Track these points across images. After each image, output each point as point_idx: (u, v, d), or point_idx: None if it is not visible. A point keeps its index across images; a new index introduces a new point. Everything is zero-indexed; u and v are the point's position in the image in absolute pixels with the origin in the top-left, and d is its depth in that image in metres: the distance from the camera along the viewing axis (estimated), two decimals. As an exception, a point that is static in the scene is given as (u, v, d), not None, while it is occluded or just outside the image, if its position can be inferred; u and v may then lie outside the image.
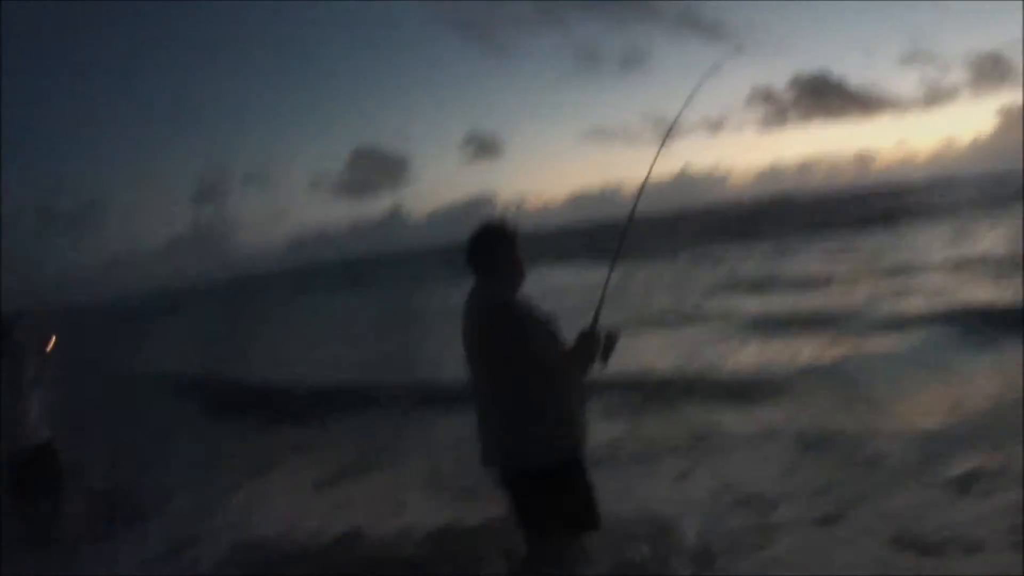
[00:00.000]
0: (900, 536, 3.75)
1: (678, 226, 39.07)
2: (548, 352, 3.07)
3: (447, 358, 10.79)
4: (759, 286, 15.66)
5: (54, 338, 4.83)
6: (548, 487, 3.07)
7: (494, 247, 3.18)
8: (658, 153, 3.72)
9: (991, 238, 17.83)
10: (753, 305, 13.38)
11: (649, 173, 3.70)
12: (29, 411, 4.55)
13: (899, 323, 9.62)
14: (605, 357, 3.14)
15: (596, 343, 3.12)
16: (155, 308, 40.35)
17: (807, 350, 8.83)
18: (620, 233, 3.60)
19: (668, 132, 3.76)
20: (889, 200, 37.93)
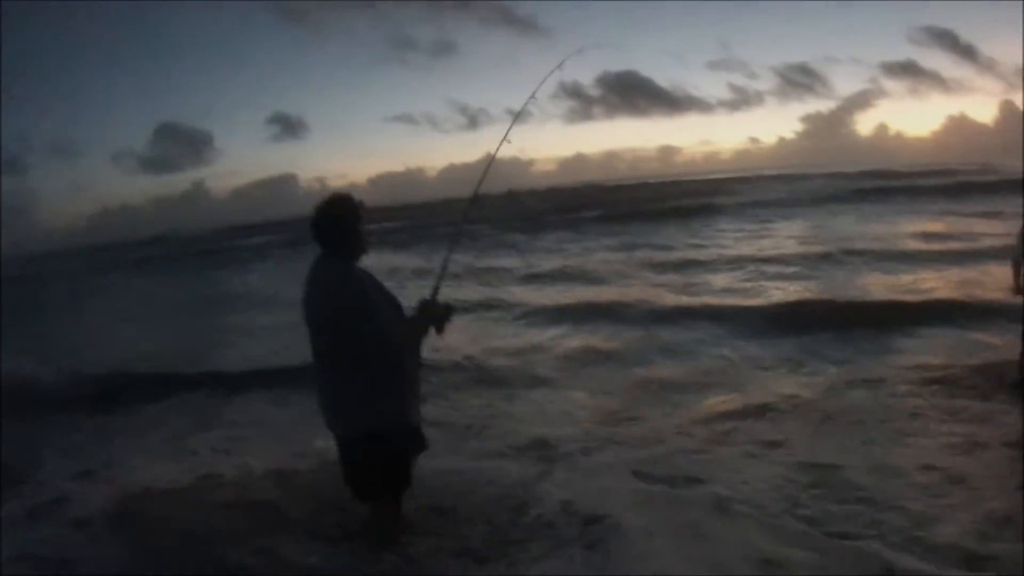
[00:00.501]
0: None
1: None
2: (391, 317, 3.25)
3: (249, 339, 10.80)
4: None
5: None
6: (378, 451, 3.28)
7: (340, 219, 3.26)
8: (501, 141, 4.05)
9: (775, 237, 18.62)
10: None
11: (492, 159, 4.03)
12: None
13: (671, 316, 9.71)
14: (440, 327, 3.42)
15: (436, 312, 3.41)
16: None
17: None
18: (462, 213, 3.97)
19: (513, 120, 4.14)
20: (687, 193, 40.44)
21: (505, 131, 4.05)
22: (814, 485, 4.16)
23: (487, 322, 10.55)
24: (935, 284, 10.34)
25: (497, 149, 4.04)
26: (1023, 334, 5.43)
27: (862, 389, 5.92)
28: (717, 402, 5.98)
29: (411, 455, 3.44)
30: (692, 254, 16.08)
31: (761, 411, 5.57)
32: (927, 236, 15.40)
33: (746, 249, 16.09)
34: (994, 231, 14.11)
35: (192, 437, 6.11)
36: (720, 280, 12.48)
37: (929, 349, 7.06)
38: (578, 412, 6.06)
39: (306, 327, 3.32)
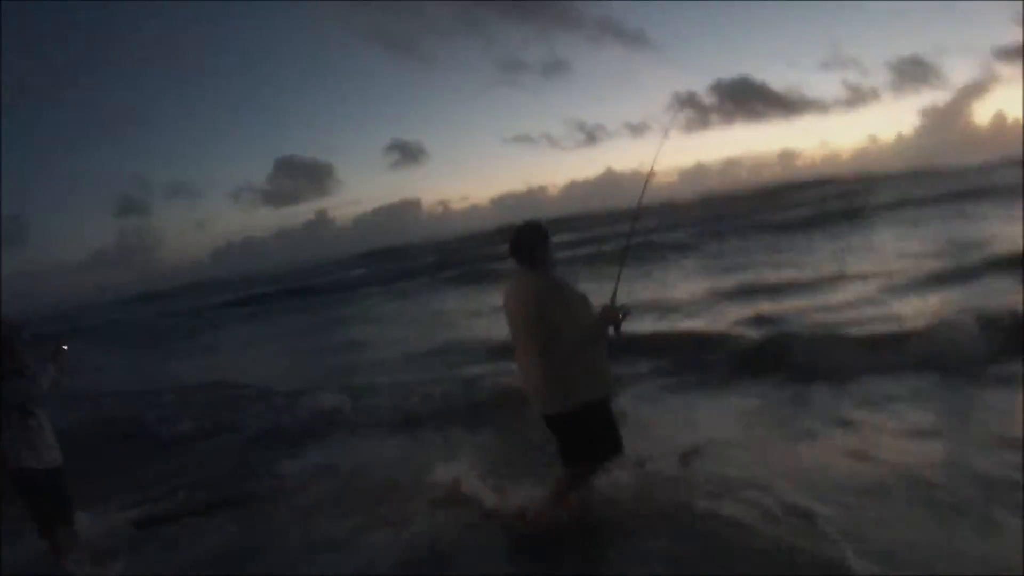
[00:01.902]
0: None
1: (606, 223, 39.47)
2: (586, 317, 3.91)
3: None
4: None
5: (64, 347, 4.48)
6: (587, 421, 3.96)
7: (535, 241, 3.96)
8: (655, 158, 4.61)
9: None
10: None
11: (649, 177, 4.57)
12: (45, 427, 4.21)
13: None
14: (618, 327, 3.96)
15: (616, 313, 3.94)
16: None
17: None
18: (631, 226, 4.41)
19: (657, 149, 4.64)
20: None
21: (654, 154, 4.63)
22: None
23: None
24: None
25: (650, 170, 4.61)
26: None
27: None
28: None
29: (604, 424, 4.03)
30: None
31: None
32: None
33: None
34: None
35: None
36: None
37: None
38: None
39: (510, 327, 4.07)
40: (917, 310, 8.87)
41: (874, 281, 11.43)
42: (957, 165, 43.73)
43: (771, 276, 14.08)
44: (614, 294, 4.10)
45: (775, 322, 9.35)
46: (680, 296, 13.29)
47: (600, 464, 4.20)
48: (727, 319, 10.13)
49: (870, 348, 7.10)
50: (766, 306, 10.60)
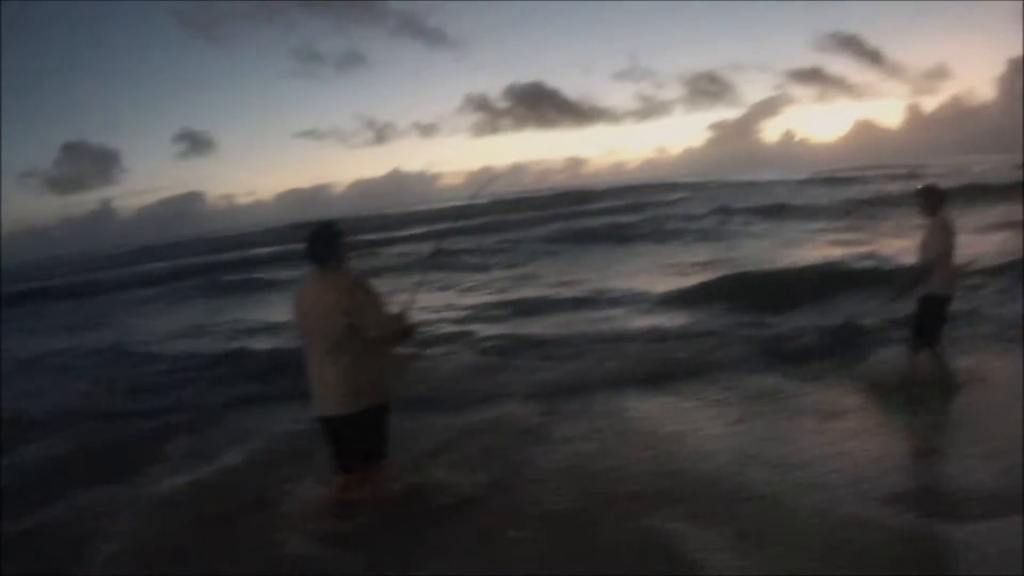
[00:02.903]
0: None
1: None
2: (387, 316, 4.03)
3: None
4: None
5: None
6: (372, 423, 4.04)
7: (331, 240, 4.04)
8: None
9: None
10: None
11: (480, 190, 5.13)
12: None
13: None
14: (407, 334, 4.20)
15: (408, 323, 4.18)
16: None
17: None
18: (441, 234, 4.87)
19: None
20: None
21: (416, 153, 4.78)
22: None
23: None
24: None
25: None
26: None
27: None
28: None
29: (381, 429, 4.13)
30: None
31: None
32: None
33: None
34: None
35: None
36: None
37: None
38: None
39: (301, 329, 4.10)
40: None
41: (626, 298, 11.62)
42: (748, 179, 49.47)
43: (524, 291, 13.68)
44: (408, 305, 4.26)
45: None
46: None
47: (373, 467, 4.21)
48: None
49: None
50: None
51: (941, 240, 5.68)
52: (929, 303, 5.82)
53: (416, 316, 4.23)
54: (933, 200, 5.80)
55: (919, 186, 6.09)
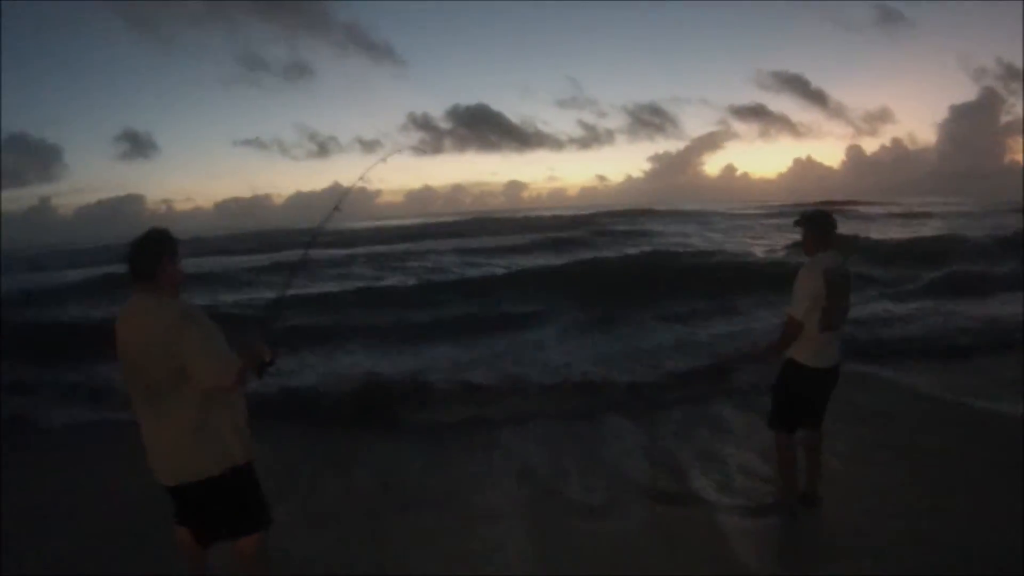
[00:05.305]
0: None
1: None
2: (225, 355, 3.05)
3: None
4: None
5: None
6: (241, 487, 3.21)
7: (160, 254, 3.09)
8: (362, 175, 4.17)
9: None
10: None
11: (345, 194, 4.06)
12: None
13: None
14: (263, 370, 3.28)
15: (261, 351, 3.26)
16: None
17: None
18: (304, 251, 3.94)
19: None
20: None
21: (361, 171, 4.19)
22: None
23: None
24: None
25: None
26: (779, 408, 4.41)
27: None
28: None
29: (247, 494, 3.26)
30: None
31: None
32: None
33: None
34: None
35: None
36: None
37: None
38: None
39: (125, 368, 3.10)
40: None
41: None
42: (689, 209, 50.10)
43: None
44: (264, 330, 3.43)
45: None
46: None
47: (259, 532, 3.31)
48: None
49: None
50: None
51: (814, 289, 4.07)
52: (792, 375, 4.28)
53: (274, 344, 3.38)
54: (816, 232, 4.22)
55: (800, 214, 4.41)
